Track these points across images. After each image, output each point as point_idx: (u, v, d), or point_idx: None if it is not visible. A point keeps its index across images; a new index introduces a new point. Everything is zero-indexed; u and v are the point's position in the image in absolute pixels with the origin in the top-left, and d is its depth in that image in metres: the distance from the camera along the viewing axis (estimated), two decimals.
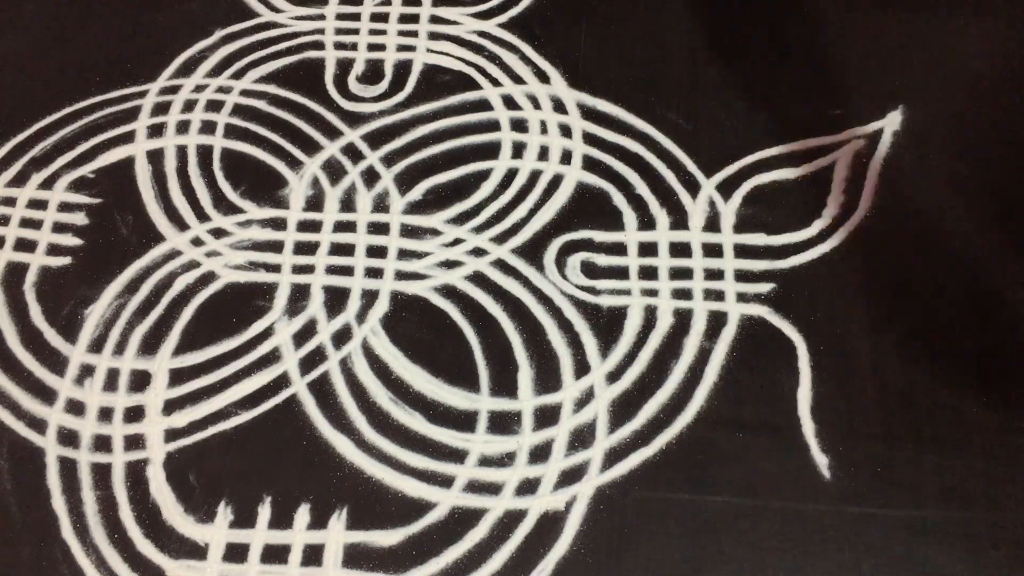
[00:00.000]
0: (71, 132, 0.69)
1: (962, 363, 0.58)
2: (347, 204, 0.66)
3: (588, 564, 0.52)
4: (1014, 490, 0.54)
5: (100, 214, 0.66)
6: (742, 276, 0.62)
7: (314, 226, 0.65)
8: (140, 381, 0.59)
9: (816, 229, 0.63)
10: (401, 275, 0.63)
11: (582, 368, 0.59)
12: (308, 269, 0.63)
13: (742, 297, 0.61)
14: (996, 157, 0.66)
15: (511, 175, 0.67)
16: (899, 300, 0.61)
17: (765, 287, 0.61)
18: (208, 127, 0.70)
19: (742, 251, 0.63)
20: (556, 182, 0.67)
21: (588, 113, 0.70)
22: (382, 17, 0.75)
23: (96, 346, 0.60)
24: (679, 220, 0.64)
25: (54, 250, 0.64)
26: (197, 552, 0.53)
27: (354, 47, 0.74)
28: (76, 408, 0.58)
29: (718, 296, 0.61)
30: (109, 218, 0.65)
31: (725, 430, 0.56)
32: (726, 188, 0.66)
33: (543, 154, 0.68)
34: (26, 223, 0.65)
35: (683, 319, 0.60)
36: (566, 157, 0.68)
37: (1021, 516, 0.53)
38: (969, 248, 0.62)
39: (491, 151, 0.68)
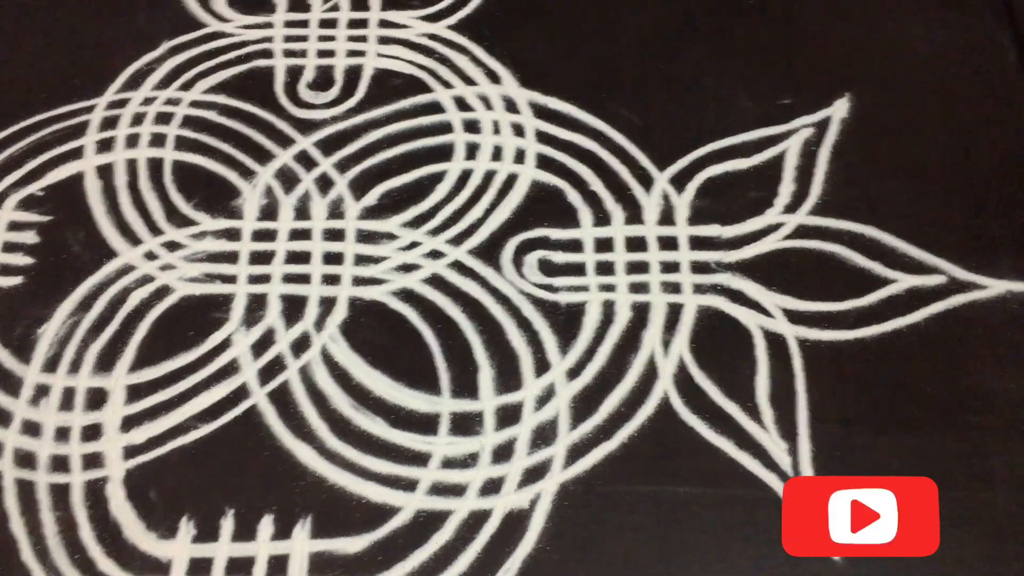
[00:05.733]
0: (18, 150, 0.68)
1: (918, 345, 0.59)
2: (302, 212, 0.65)
3: (554, 561, 0.53)
4: (969, 467, 0.55)
5: (51, 232, 0.65)
6: (698, 268, 0.62)
7: (269, 235, 0.64)
8: (97, 399, 0.58)
9: (769, 218, 0.64)
10: (359, 281, 0.63)
11: (542, 366, 0.59)
12: (264, 279, 0.63)
13: (698, 288, 0.61)
14: (943, 141, 0.67)
15: (465, 176, 0.67)
16: (852, 285, 0.61)
17: (721, 277, 0.62)
18: (158, 140, 0.69)
19: (697, 243, 0.63)
20: (511, 181, 0.67)
21: (540, 112, 0.70)
22: (331, 23, 0.75)
23: (51, 365, 0.60)
24: (634, 215, 0.65)
25: (4, 270, 0.63)
26: (160, 569, 0.53)
27: (303, 54, 0.73)
28: (32, 429, 0.58)
29: (675, 288, 0.62)
30: (60, 236, 0.65)
31: (686, 421, 0.57)
32: (679, 181, 0.66)
33: (497, 154, 0.68)
34: None
35: (641, 313, 0.61)
36: (520, 156, 0.68)
37: (977, 493, 0.54)
38: (920, 232, 0.63)
39: (444, 153, 0.68)
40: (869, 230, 0.63)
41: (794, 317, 0.60)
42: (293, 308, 0.61)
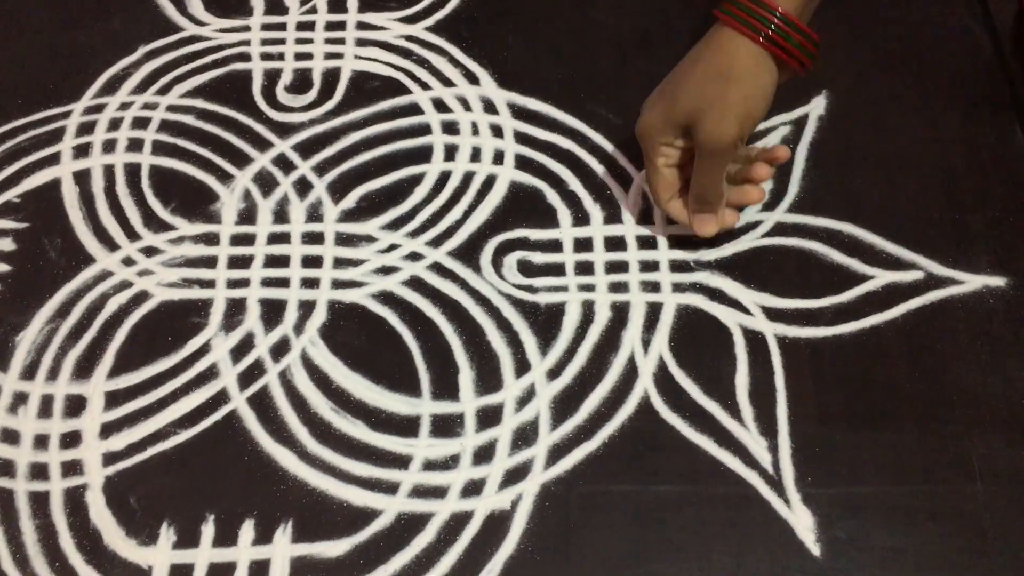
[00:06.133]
0: None
1: (896, 341, 0.59)
2: (280, 215, 0.65)
3: (536, 561, 0.53)
4: (946, 461, 0.55)
5: (27, 238, 0.64)
6: (677, 266, 0.63)
7: (247, 239, 0.64)
8: (75, 406, 0.58)
9: (747, 216, 0.64)
10: (338, 284, 0.62)
11: (522, 367, 0.59)
12: (243, 283, 0.63)
13: (677, 287, 0.62)
14: (920, 137, 0.68)
15: (444, 178, 0.67)
16: (830, 281, 0.61)
17: (700, 276, 0.62)
18: (135, 145, 0.69)
19: (676, 242, 0.64)
20: (489, 182, 0.67)
21: (519, 112, 0.70)
22: (308, 26, 0.75)
23: (28, 373, 0.59)
24: (613, 214, 0.65)
25: None
26: (141, 575, 0.53)
27: (281, 57, 0.73)
28: (10, 437, 0.57)
29: (654, 287, 0.62)
30: (37, 242, 0.64)
31: (666, 419, 0.57)
32: None
33: (475, 155, 0.68)
34: None
35: (620, 312, 0.61)
36: (498, 157, 0.68)
37: (956, 487, 0.54)
38: (897, 228, 0.63)
39: (423, 155, 0.68)
40: (847, 227, 0.64)
41: (773, 314, 0.60)
42: (272, 312, 0.61)
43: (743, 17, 0.56)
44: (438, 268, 0.63)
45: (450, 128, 0.69)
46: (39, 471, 0.56)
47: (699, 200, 0.60)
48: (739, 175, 0.61)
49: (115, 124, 0.70)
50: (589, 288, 0.62)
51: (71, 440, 0.57)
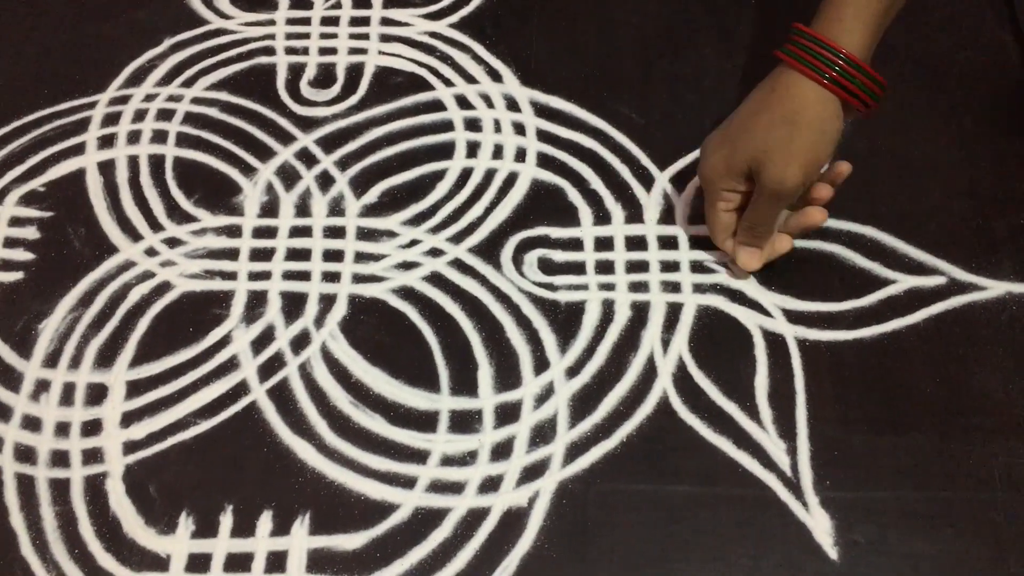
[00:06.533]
0: (19, 146, 0.68)
1: (917, 346, 0.59)
2: (302, 209, 0.66)
3: (552, 559, 0.53)
4: (967, 467, 0.55)
5: (52, 227, 0.65)
6: (697, 267, 0.62)
7: (269, 232, 0.65)
8: (97, 394, 0.58)
9: None
10: (358, 278, 0.63)
11: (541, 364, 0.59)
12: (264, 275, 0.63)
13: (698, 288, 0.62)
14: (944, 141, 0.67)
15: (466, 175, 0.67)
16: (852, 285, 0.61)
17: (721, 277, 0.62)
18: (159, 136, 0.69)
19: (697, 242, 0.63)
20: (511, 180, 0.67)
21: (541, 110, 0.70)
22: (332, 21, 0.75)
23: (51, 361, 0.60)
24: (634, 214, 0.65)
25: (5, 265, 0.63)
26: (159, 564, 0.53)
27: (305, 51, 0.73)
28: (32, 424, 0.58)
29: (674, 288, 0.62)
30: (61, 231, 0.65)
31: (684, 420, 0.57)
32: (680, 180, 0.66)
33: (497, 152, 0.68)
34: None
35: (640, 312, 0.61)
36: (520, 155, 0.68)
37: (975, 493, 0.54)
38: (920, 233, 0.63)
39: (446, 151, 0.68)
40: (869, 230, 0.63)
41: (793, 317, 0.60)
42: (293, 305, 0.62)
43: (807, 59, 0.55)
44: (459, 264, 0.63)
45: (472, 125, 0.69)
46: (60, 458, 0.57)
47: (748, 233, 0.59)
48: (800, 199, 0.60)
49: (140, 115, 0.70)
50: (609, 287, 0.62)
51: (92, 428, 0.57)
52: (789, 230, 0.60)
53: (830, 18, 0.56)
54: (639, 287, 0.62)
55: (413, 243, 0.64)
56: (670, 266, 0.62)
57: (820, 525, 0.53)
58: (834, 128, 0.56)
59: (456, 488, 0.55)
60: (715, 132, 0.60)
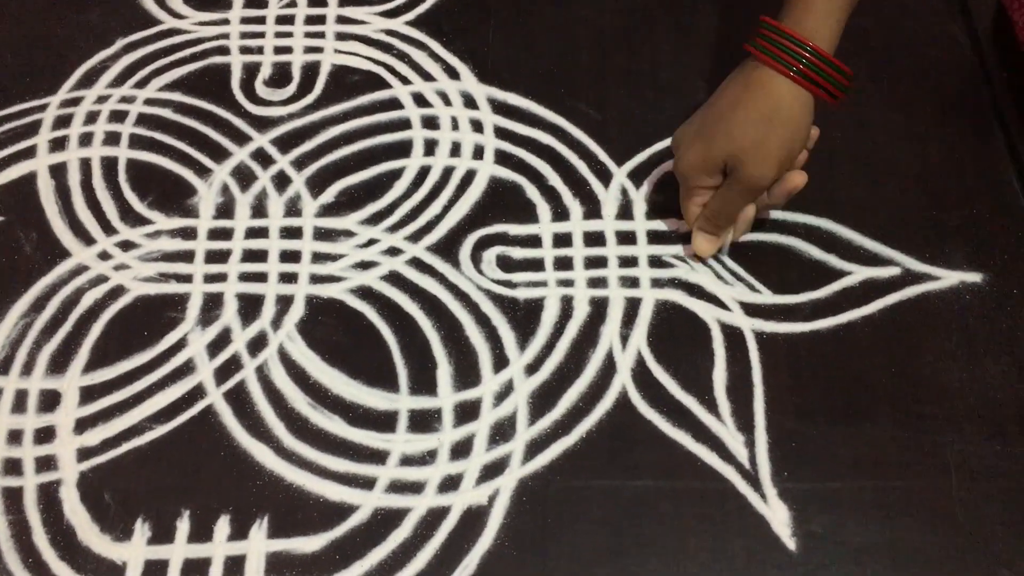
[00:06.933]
0: None
1: (872, 336, 0.59)
2: (258, 210, 0.65)
3: (512, 556, 0.53)
4: (922, 456, 0.55)
5: (2, 232, 0.64)
6: (655, 262, 0.63)
7: (225, 234, 0.64)
8: (50, 401, 0.58)
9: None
10: (316, 278, 0.62)
11: (501, 362, 0.59)
12: (220, 278, 0.62)
13: (656, 283, 0.62)
14: (898, 134, 0.68)
15: (424, 173, 0.67)
16: (808, 277, 0.62)
17: (678, 271, 0.62)
18: (112, 138, 0.68)
19: (655, 237, 0.64)
20: (469, 177, 0.66)
21: (499, 107, 0.70)
22: (288, 19, 0.74)
23: (3, 368, 0.59)
24: (592, 210, 0.65)
25: None
26: (115, 571, 0.52)
27: (260, 51, 0.73)
28: None
29: (633, 283, 0.62)
30: (12, 236, 0.64)
31: (644, 414, 0.57)
32: (637, 176, 0.66)
33: (455, 150, 0.68)
34: None
35: (599, 307, 0.61)
36: (478, 152, 0.68)
37: (932, 481, 0.55)
38: (875, 225, 0.64)
39: (403, 149, 0.68)
40: (825, 223, 0.64)
41: (751, 310, 0.60)
42: (250, 307, 0.61)
43: (774, 52, 0.56)
44: (417, 263, 0.63)
45: (430, 123, 0.69)
46: (13, 466, 0.56)
47: (710, 220, 0.60)
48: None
49: (92, 117, 0.69)
50: (568, 283, 0.62)
51: (45, 435, 0.57)
52: (774, 199, 0.60)
53: (798, 10, 0.56)
54: (597, 283, 0.62)
55: (371, 242, 0.64)
56: (628, 261, 0.63)
57: (778, 516, 0.54)
58: (807, 123, 0.57)
59: (416, 488, 0.55)
60: (687, 126, 0.60)
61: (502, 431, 0.57)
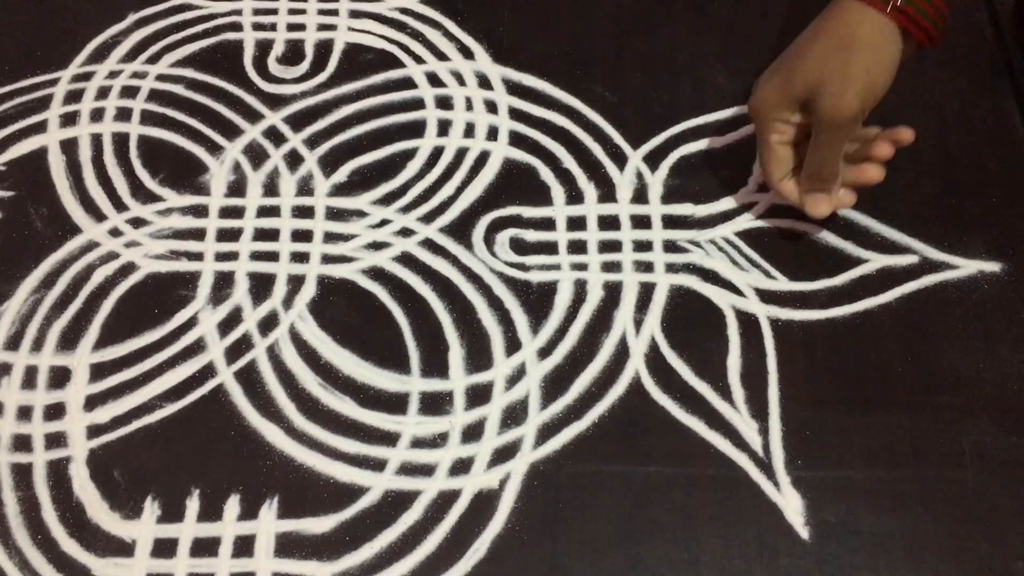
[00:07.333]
0: None
1: (889, 325, 0.59)
2: (270, 188, 0.64)
3: (523, 540, 0.52)
4: (937, 446, 0.55)
5: (13, 207, 0.63)
6: (670, 247, 0.62)
7: (237, 212, 0.63)
8: (60, 377, 0.57)
9: (742, 197, 0.64)
10: (328, 258, 0.62)
11: (513, 345, 0.59)
12: (232, 256, 0.62)
13: (671, 267, 0.61)
14: (917, 121, 0.67)
15: (437, 153, 0.66)
16: (824, 264, 0.61)
17: (693, 256, 0.61)
18: (124, 114, 0.68)
19: (670, 221, 0.63)
20: (483, 159, 0.66)
21: (513, 88, 0.69)
22: None
23: (13, 343, 0.58)
24: (607, 193, 0.64)
25: None
26: (124, 549, 0.52)
27: (273, 27, 0.72)
28: None
29: (647, 267, 0.61)
30: (22, 211, 0.63)
31: (657, 400, 0.56)
32: (653, 159, 0.66)
33: (469, 131, 0.67)
34: None
35: (613, 292, 0.60)
36: (492, 133, 0.67)
37: (946, 472, 0.54)
38: (893, 212, 0.63)
39: (416, 130, 0.67)
40: (842, 209, 0.63)
41: (766, 296, 0.60)
42: (261, 286, 0.61)
43: None
44: (429, 244, 0.62)
45: (444, 103, 0.68)
46: (22, 443, 0.55)
47: (813, 178, 0.57)
48: (857, 154, 0.59)
49: (103, 93, 0.69)
50: (582, 267, 0.61)
51: (55, 412, 0.56)
52: (844, 184, 0.59)
53: None
54: (612, 267, 0.61)
55: (383, 223, 0.63)
56: (643, 246, 0.62)
57: (791, 505, 0.53)
58: (892, 53, 0.55)
59: (426, 470, 0.55)
60: (770, 67, 0.58)
61: (514, 415, 0.56)
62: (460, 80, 0.69)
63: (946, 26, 0.56)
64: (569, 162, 0.65)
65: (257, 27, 0.72)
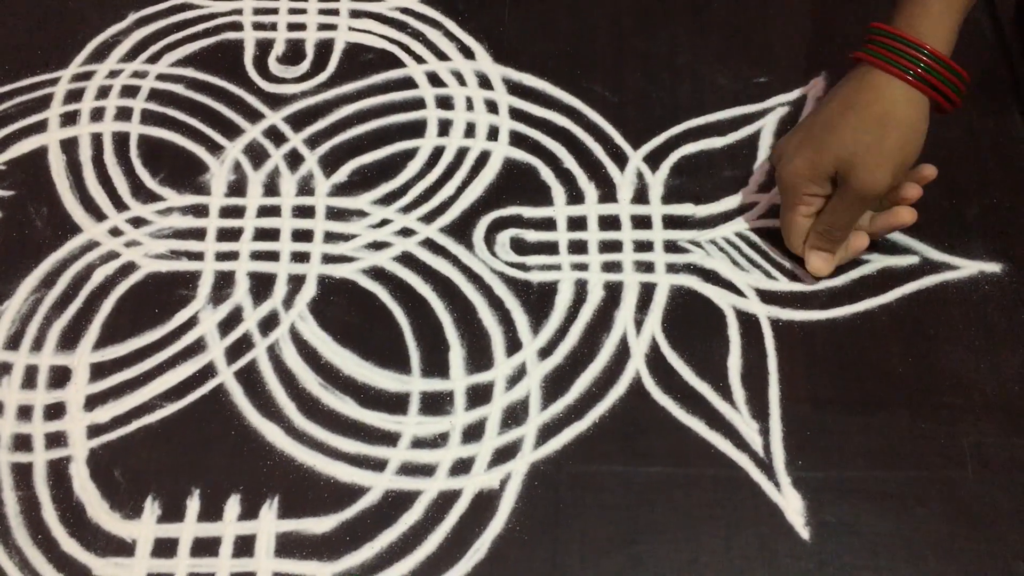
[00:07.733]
0: None
1: (889, 325, 0.59)
2: (271, 188, 0.64)
3: (524, 541, 0.52)
4: (938, 446, 0.55)
5: (13, 207, 0.63)
6: (671, 247, 0.62)
7: (237, 212, 0.63)
8: (60, 377, 0.57)
9: (743, 197, 0.64)
10: (328, 258, 0.62)
11: (514, 345, 0.58)
12: (232, 256, 0.62)
13: (671, 268, 0.61)
14: None
15: (438, 153, 0.66)
16: None
17: (694, 257, 0.61)
18: (124, 113, 0.68)
19: (670, 222, 0.63)
20: (483, 159, 0.66)
21: (514, 88, 0.69)
22: None
23: (13, 343, 0.58)
24: (607, 193, 0.64)
25: None
26: (124, 549, 0.52)
27: (274, 27, 0.72)
28: None
29: (648, 268, 0.61)
30: (23, 211, 0.63)
31: (657, 400, 0.56)
32: (653, 159, 0.66)
33: (470, 131, 0.67)
34: None
35: (613, 292, 0.60)
36: (493, 133, 0.67)
37: (945, 473, 0.54)
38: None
39: (417, 129, 0.67)
40: None
41: (767, 297, 0.60)
42: (261, 286, 0.61)
43: (891, 57, 0.54)
44: (430, 244, 0.62)
45: (444, 103, 0.68)
46: (22, 442, 0.55)
47: (823, 236, 0.58)
48: (884, 201, 0.59)
49: (104, 92, 0.69)
50: (582, 267, 0.61)
51: (55, 412, 0.56)
52: (876, 230, 0.59)
53: (914, 14, 0.55)
54: (612, 267, 0.61)
55: (384, 223, 0.63)
56: (643, 246, 0.62)
57: (792, 505, 0.53)
58: (923, 128, 0.55)
59: (427, 471, 0.55)
60: (790, 135, 0.58)
61: (514, 415, 0.56)
62: (461, 80, 0.69)
63: (965, 90, 0.56)
64: (570, 162, 0.65)
65: (257, 27, 0.72)
